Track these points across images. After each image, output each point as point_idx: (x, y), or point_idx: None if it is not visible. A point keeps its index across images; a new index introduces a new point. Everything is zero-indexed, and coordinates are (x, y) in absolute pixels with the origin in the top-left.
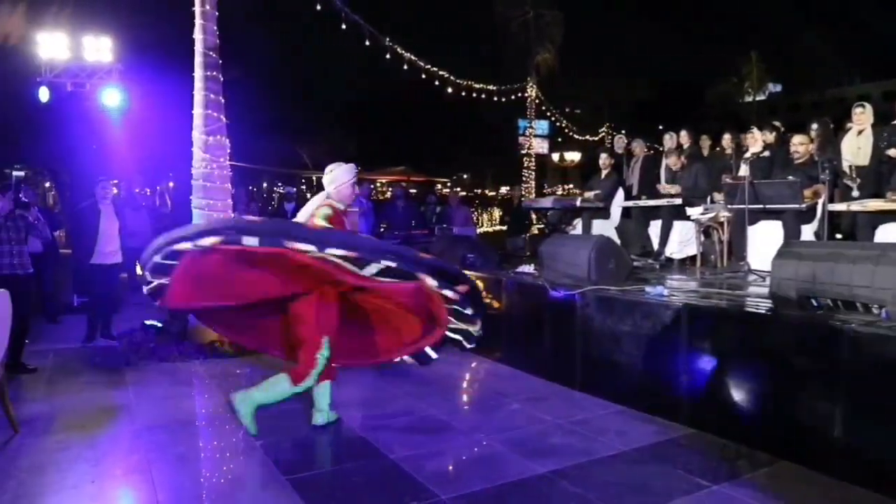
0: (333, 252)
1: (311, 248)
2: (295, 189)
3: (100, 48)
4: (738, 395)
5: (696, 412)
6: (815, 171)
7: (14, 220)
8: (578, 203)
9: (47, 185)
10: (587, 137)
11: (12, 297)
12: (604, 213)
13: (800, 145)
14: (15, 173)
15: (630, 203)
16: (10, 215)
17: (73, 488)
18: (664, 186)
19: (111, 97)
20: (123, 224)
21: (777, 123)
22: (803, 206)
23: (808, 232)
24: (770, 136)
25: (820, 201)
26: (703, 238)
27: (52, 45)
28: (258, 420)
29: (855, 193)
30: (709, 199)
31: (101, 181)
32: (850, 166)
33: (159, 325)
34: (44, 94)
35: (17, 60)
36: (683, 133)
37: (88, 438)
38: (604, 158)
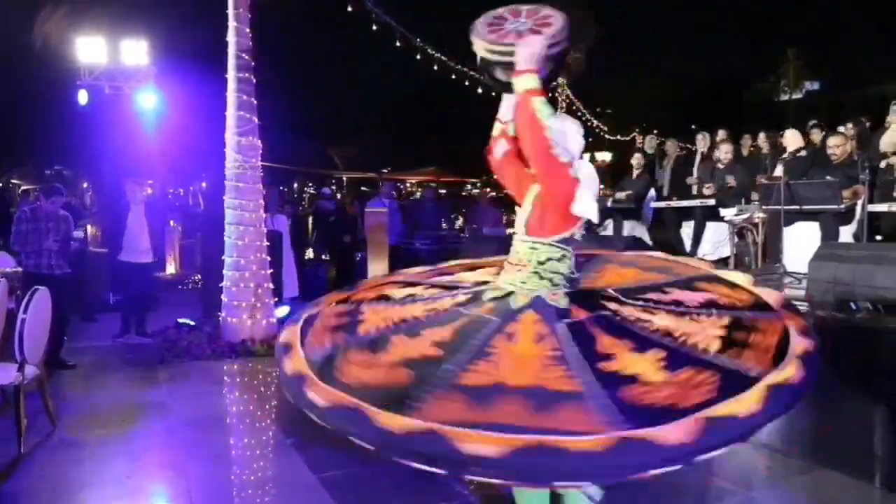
0: None
1: None
2: (329, 190)
3: (137, 51)
4: None
5: None
6: (854, 171)
7: (56, 222)
8: (609, 204)
9: (85, 185)
10: (618, 137)
11: (52, 297)
12: (635, 214)
13: (836, 147)
14: (63, 173)
15: (662, 204)
16: (55, 216)
17: (110, 483)
18: (693, 179)
19: (147, 99)
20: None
21: (819, 122)
22: (842, 206)
23: (846, 233)
24: (817, 136)
25: (859, 202)
26: (737, 239)
27: (90, 49)
28: (290, 419)
29: None
30: (742, 200)
31: (128, 181)
32: (892, 165)
33: (192, 323)
34: (83, 97)
35: (57, 65)
36: (721, 133)
37: (124, 434)
38: (636, 158)
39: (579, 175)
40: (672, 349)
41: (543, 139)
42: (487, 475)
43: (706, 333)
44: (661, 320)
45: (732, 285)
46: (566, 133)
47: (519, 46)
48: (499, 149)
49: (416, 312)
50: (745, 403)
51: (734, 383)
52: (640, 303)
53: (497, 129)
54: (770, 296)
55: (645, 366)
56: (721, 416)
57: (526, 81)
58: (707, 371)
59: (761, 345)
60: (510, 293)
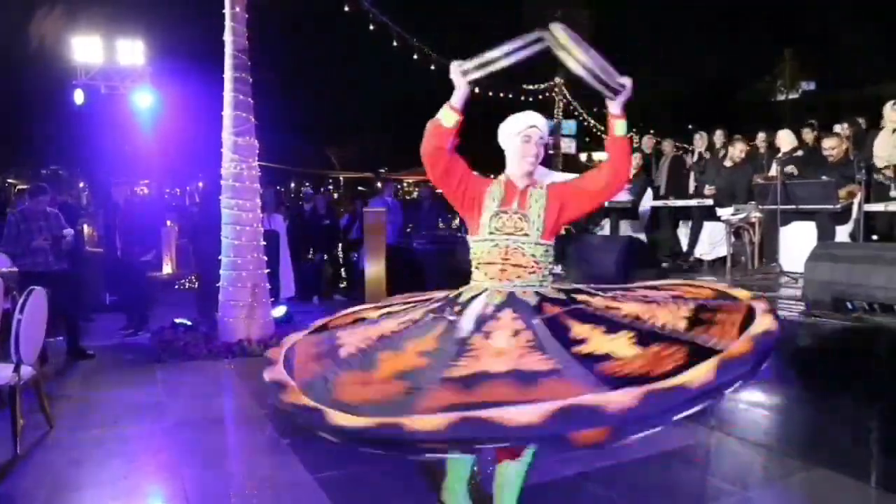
0: None
1: None
2: (312, 191)
3: (132, 51)
4: (767, 399)
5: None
6: (850, 171)
7: (45, 220)
8: (606, 203)
9: (81, 185)
10: None
11: (56, 294)
12: (632, 214)
13: (832, 148)
14: (49, 172)
15: (659, 203)
16: (44, 215)
17: (107, 484)
18: (694, 181)
19: (143, 99)
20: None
21: (813, 122)
22: (838, 206)
23: (842, 233)
24: (810, 135)
25: (855, 201)
26: (733, 239)
27: (87, 48)
28: (286, 419)
29: (893, 193)
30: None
31: (114, 183)
32: (888, 165)
33: (189, 322)
34: (79, 97)
35: (53, 64)
36: (718, 133)
37: (120, 434)
38: (633, 158)
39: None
40: (641, 330)
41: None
42: (436, 450)
43: (672, 316)
44: (630, 308)
45: (698, 286)
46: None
47: (624, 89)
48: (451, 143)
49: (393, 327)
50: (697, 373)
51: (702, 355)
52: (609, 293)
53: (452, 119)
54: (737, 290)
55: (617, 345)
56: (667, 386)
57: (624, 127)
58: (675, 345)
59: (726, 322)
60: (483, 290)
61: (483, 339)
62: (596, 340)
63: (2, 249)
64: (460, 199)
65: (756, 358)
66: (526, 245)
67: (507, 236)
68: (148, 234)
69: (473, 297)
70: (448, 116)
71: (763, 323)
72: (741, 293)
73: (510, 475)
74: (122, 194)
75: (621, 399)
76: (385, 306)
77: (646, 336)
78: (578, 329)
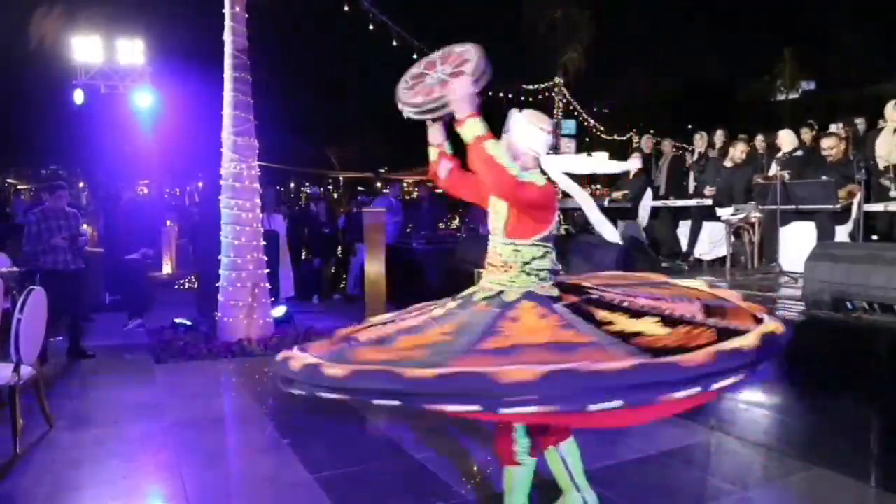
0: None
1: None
2: (318, 190)
3: (132, 51)
4: (766, 399)
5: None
6: (850, 170)
7: (65, 219)
8: (606, 203)
9: (81, 184)
10: (615, 137)
11: (65, 292)
12: (631, 214)
13: (830, 149)
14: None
15: (659, 203)
16: (60, 213)
17: (106, 483)
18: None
19: (143, 99)
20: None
21: (812, 122)
22: (838, 206)
23: (842, 233)
24: (808, 135)
25: (855, 201)
26: (733, 239)
27: (86, 48)
28: (286, 419)
29: (893, 193)
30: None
31: (122, 186)
32: (888, 165)
33: (189, 322)
34: (78, 97)
35: (53, 64)
36: (719, 133)
37: (120, 434)
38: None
39: (549, 170)
40: (663, 315)
41: (508, 179)
42: (525, 403)
43: (686, 308)
44: (643, 302)
45: (691, 289)
46: (529, 137)
47: (450, 95)
48: (442, 169)
49: (413, 323)
50: (747, 340)
51: (729, 334)
52: (620, 290)
53: (434, 153)
54: (729, 294)
55: (645, 325)
56: (729, 348)
57: (472, 128)
58: (701, 327)
59: (739, 314)
60: (500, 292)
61: (511, 322)
62: (623, 322)
63: (24, 248)
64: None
65: (780, 344)
66: (497, 244)
67: (492, 236)
68: (134, 233)
69: (492, 296)
70: (430, 152)
71: (773, 320)
72: (733, 294)
73: (571, 450)
74: (118, 195)
75: (694, 357)
76: (401, 314)
77: (669, 320)
78: (603, 314)
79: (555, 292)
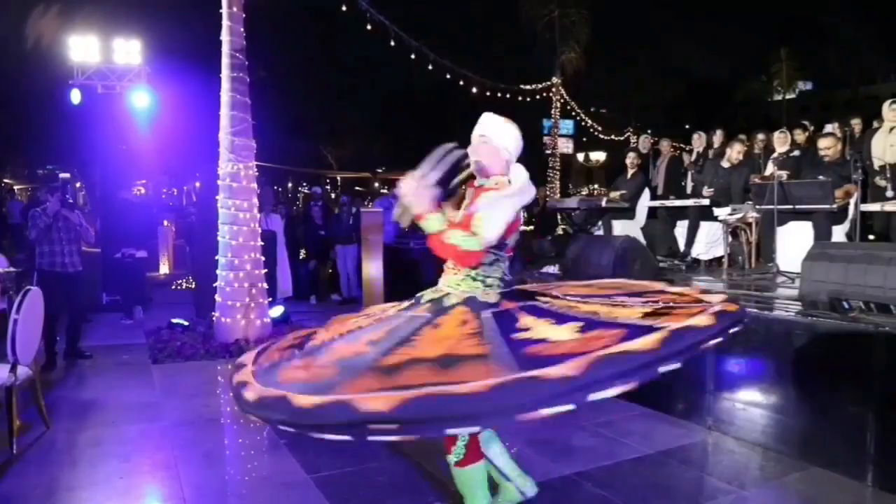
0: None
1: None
2: (321, 189)
3: (129, 51)
4: (764, 399)
5: (721, 417)
6: (846, 170)
7: (65, 220)
8: (604, 203)
9: (77, 185)
10: (612, 137)
11: (64, 294)
12: (628, 214)
13: (827, 149)
14: (61, 175)
15: (656, 203)
16: (59, 215)
17: (102, 483)
18: (697, 177)
19: (140, 99)
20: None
21: (806, 123)
22: (834, 206)
23: (839, 233)
24: (801, 136)
25: (852, 201)
26: (730, 239)
27: (83, 48)
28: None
29: (889, 193)
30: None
31: (120, 186)
32: (883, 165)
33: (186, 323)
34: (75, 97)
35: (49, 64)
36: (718, 133)
37: (117, 435)
38: (631, 158)
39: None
40: (590, 321)
41: (475, 257)
42: (386, 432)
43: (631, 312)
44: (591, 307)
45: (681, 294)
46: (506, 136)
47: (401, 200)
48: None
49: (363, 323)
50: (642, 343)
51: (639, 333)
52: (577, 298)
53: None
54: (715, 297)
55: (559, 332)
56: (612, 353)
57: (431, 225)
58: (617, 329)
59: (682, 313)
60: (446, 294)
61: (432, 329)
62: (540, 329)
63: (34, 244)
64: None
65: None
66: None
67: None
68: (129, 232)
69: (438, 298)
70: (434, 223)
71: (720, 305)
72: (716, 297)
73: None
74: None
75: (560, 369)
76: (365, 312)
77: (593, 324)
78: (527, 320)
79: (493, 298)
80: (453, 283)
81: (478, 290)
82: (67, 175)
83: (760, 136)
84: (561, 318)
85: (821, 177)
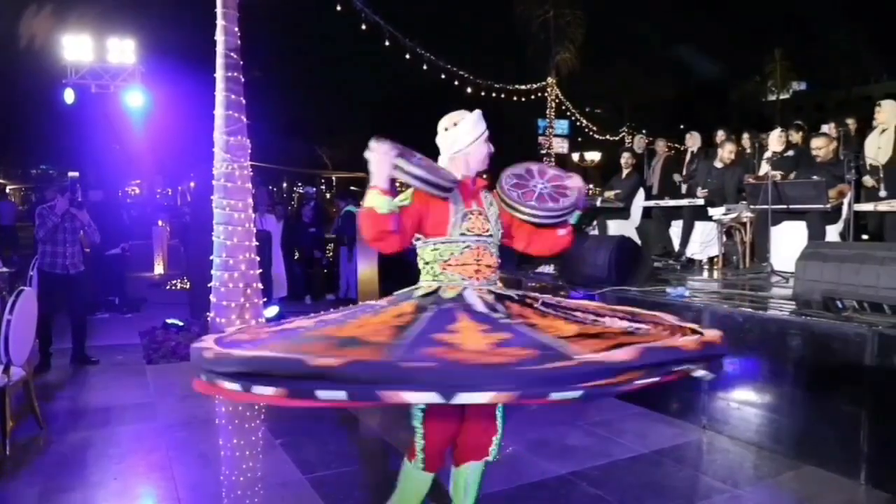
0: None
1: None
2: (314, 189)
3: (123, 50)
4: (758, 398)
5: (715, 417)
6: (840, 170)
7: (71, 221)
8: (599, 203)
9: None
10: (607, 137)
11: (68, 296)
12: (623, 214)
13: (819, 149)
14: (70, 174)
15: (651, 203)
16: (66, 215)
17: (97, 485)
18: (679, 178)
19: (134, 98)
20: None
21: (800, 123)
22: (828, 206)
23: (832, 233)
24: (796, 136)
25: (845, 201)
26: (725, 239)
27: (77, 47)
28: (279, 419)
29: (882, 193)
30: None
31: (91, 186)
32: (875, 165)
33: (180, 323)
34: (69, 96)
35: (43, 63)
36: (720, 133)
37: (111, 436)
38: (626, 158)
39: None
40: (520, 333)
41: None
42: (334, 387)
43: (569, 328)
44: (542, 320)
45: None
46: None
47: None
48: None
49: (337, 315)
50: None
51: (546, 356)
52: (544, 308)
53: (388, 206)
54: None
55: (476, 341)
56: (479, 364)
57: (375, 200)
58: (531, 349)
59: (611, 341)
60: (437, 288)
61: (371, 315)
62: (462, 333)
63: (41, 242)
64: (427, 229)
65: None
66: (492, 246)
67: (477, 237)
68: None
69: (429, 294)
70: (382, 203)
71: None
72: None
73: (475, 472)
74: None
75: (515, 353)
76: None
77: (517, 340)
78: (463, 323)
79: (451, 294)
80: (423, 278)
81: (427, 279)
82: (76, 174)
83: (746, 136)
84: (495, 327)
85: (814, 177)
